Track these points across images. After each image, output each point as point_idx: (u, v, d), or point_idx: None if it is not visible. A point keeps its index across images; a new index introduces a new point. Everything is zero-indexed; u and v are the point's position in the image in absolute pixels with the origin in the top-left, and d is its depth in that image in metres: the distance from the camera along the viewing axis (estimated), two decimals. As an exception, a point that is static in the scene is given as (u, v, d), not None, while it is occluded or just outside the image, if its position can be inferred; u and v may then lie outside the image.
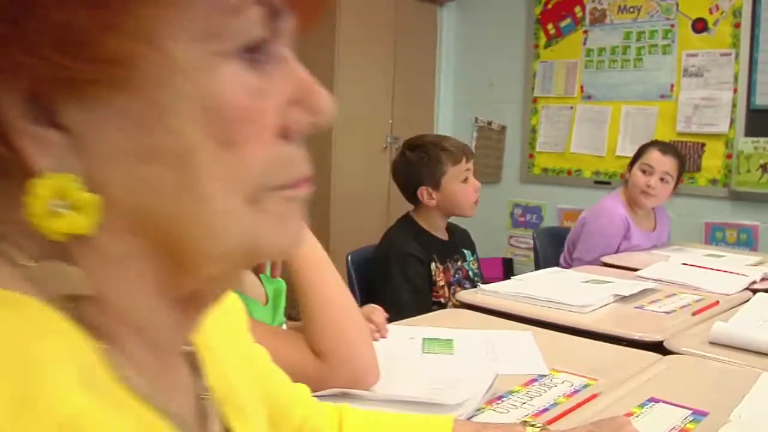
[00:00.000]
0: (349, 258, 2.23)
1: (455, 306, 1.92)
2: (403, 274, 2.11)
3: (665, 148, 2.76)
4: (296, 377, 1.06)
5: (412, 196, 2.28)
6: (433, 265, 2.19)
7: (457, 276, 2.28)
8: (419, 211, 2.29)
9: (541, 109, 4.57)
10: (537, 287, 1.83)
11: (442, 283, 2.20)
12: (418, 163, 2.22)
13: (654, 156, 2.71)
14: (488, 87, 4.83)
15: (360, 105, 4.33)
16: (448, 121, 5.00)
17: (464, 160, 2.23)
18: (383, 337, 1.44)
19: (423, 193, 2.22)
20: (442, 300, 2.16)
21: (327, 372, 1.10)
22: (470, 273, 2.33)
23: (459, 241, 2.38)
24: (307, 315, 1.14)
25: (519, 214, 4.73)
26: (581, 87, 4.38)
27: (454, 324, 1.57)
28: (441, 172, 2.20)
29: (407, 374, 1.20)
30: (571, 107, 4.43)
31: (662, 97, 4.03)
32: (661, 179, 2.68)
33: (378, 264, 2.20)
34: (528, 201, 4.68)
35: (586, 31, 4.34)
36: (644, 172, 2.70)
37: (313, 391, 1.00)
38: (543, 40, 4.53)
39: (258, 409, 0.60)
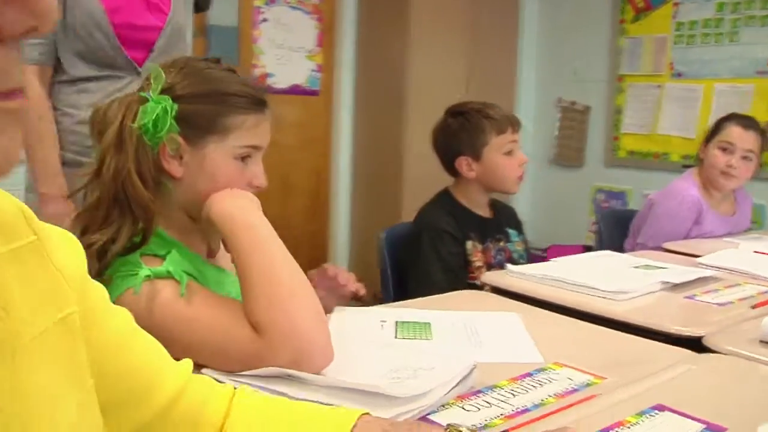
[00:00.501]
0: (383, 236, 2.06)
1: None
2: (435, 252, 1.94)
3: (747, 122, 2.41)
4: (234, 351, 0.96)
5: (450, 167, 2.07)
6: (469, 243, 1.99)
7: (498, 257, 2.05)
8: (458, 185, 2.08)
9: (627, 88, 4.28)
10: (572, 270, 1.58)
11: (479, 263, 1.98)
12: (458, 130, 2.02)
13: (735, 132, 2.38)
14: (571, 65, 4.55)
15: (433, 87, 4.15)
16: (530, 102, 4.75)
17: (510, 130, 2.02)
18: (356, 291, 1.30)
19: (462, 163, 2.02)
20: (478, 282, 1.94)
21: (266, 348, 0.94)
22: (514, 255, 2.09)
23: (503, 219, 2.15)
24: (243, 284, 1.00)
25: (602, 200, 4.44)
26: (671, 64, 4.08)
27: (459, 306, 1.36)
28: (483, 142, 1.99)
29: (369, 360, 1.00)
30: (659, 86, 4.13)
31: (759, 73, 3.68)
32: (743, 157, 2.36)
33: (410, 240, 2.02)
34: (612, 186, 4.39)
35: (676, 4, 4.01)
36: (724, 150, 2.37)
37: (254, 368, 0.93)
38: (630, 14, 4.21)
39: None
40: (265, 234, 1.05)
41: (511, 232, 2.15)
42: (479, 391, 0.95)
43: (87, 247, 0.98)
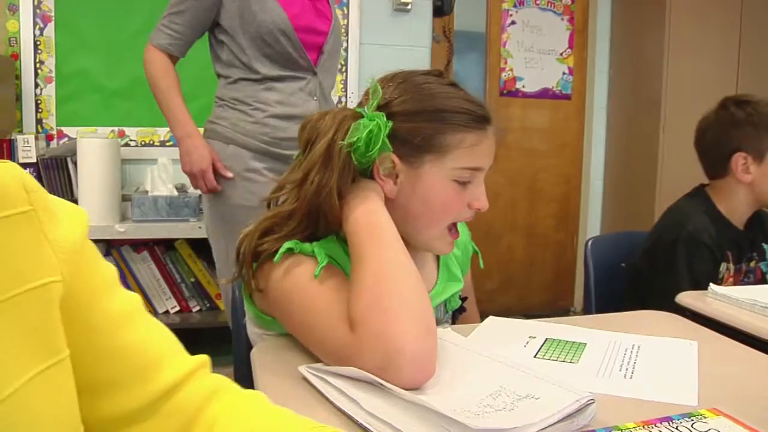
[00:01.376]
0: (589, 243, 1.89)
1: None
2: (688, 264, 1.66)
3: None
4: (330, 342, 0.94)
5: (718, 165, 1.78)
6: (723, 266, 1.70)
7: (746, 279, 1.76)
8: (721, 188, 1.78)
9: None
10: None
11: None
12: (743, 121, 1.73)
13: None
14: None
15: (694, 88, 3.80)
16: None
17: None
18: None
19: (738, 161, 1.72)
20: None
21: (355, 345, 0.89)
22: (767, 276, 1.79)
23: (759, 231, 1.82)
24: (352, 278, 0.96)
25: None
26: None
27: (639, 328, 1.18)
28: None
29: (478, 379, 0.90)
30: None
31: None
32: None
33: (656, 246, 1.75)
34: None
35: None
36: None
37: (345, 365, 0.89)
38: None
39: None
40: (385, 231, 1.00)
41: (767, 248, 1.82)
42: (593, 432, 0.80)
43: (261, 250, 1.02)
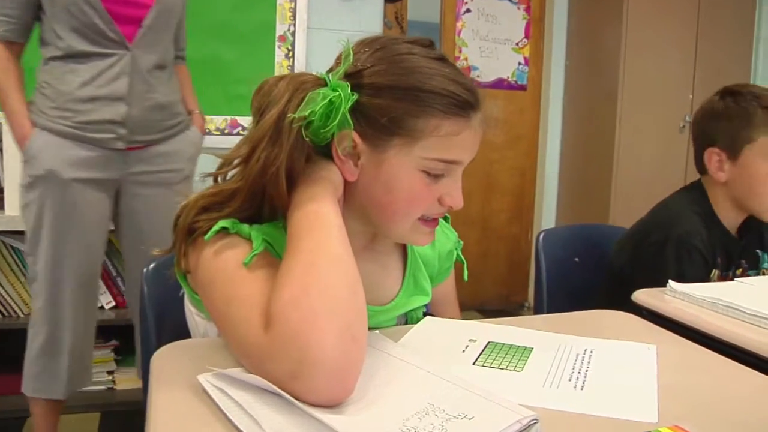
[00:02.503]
0: (541, 236, 1.77)
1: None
2: (677, 268, 1.50)
3: None
4: (242, 339, 0.80)
5: (697, 160, 1.65)
6: (714, 273, 1.57)
7: None
8: (708, 186, 1.64)
9: None
10: (760, 294, 1.22)
11: None
12: (720, 114, 1.58)
13: None
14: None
15: (651, 83, 3.76)
16: (767, 99, 4.11)
17: None
18: None
19: (712, 157, 1.59)
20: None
21: (267, 346, 0.75)
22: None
23: (754, 236, 1.67)
24: (280, 270, 0.81)
25: None
26: None
27: (592, 330, 1.06)
28: (746, 137, 1.54)
29: (407, 394, 0.76)
30: None
31: None
32: None
33: (642, 245, 1.60)
34: None
35: None
36: None
37: (253, 369, 0.77)
38: None
39: None
40: (328, 220, 0.85)
41: (762, 254, 1.68)
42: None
43: (196, 227, 0.90)
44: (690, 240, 1.52)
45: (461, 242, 1.23)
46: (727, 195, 1.60)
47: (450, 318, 1.20)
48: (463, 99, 0.91)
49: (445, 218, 1.20)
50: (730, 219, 1.62)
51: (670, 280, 1.28)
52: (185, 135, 2.20)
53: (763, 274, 1.66)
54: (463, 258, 1.21)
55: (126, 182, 2.08)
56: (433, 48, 0.97)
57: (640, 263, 1.58)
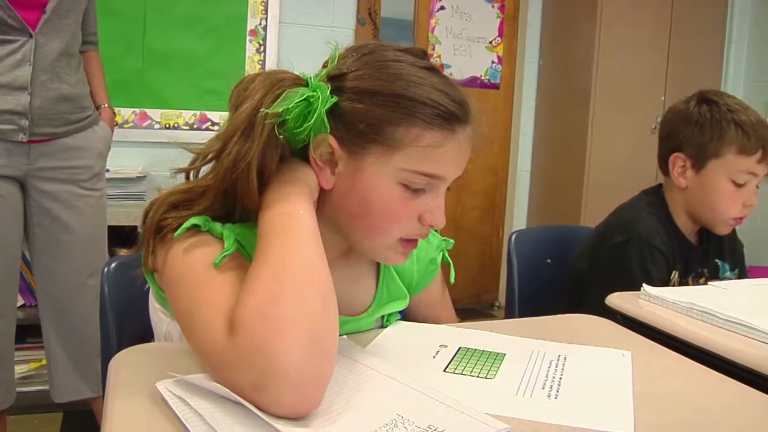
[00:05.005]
0: (513, 237, 1.74)
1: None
2: (643, 269, 1.48)
3: None
4: (204, 344, 0.76)
5: (661, 161, 1.62)
6: (674, 275, 1.54)
7: None
8: (668, 189, 1.62)
9: None
10: (735, 299, 1.21)
11: None
12: (693, 120, 1.54)
13: None
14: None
15: (624, 84, 3.77)
16: (737, 101, 4.15)
17: (758, 156, 1.50)
18: None
19: (676, 162, 1.56)
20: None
21: (230, 354, 0.71)
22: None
23: (712, 245, 1.66)
24: (248, 274, 0.77)
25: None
26: None
27: (565, 335, 1.04)
28: (714, 151, 1.51)
29: (375, 404, 0.73)
30: None
31: None
32: None
33: (601, 247, 1.57)
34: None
35: None
36: None
37: (214, 376, 0.73)
38: None
39: None
40: (301, 224, 0.81)
41: (722, 264, 1.66)
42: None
43: (164, 224, 0.86)
44: (651, 240, 1.50)
45: (450, 241, 1.18)
46: (684, 201, 1.59)
47: (444, 320, 1.17)
48: (448, 110, 0.86)
49: None
50: (686, 225, 1.61)
51: (644, 285, 1.26)
52: (93, 130, 2.11)
53: None
54: (449, 259, 1.17)
55: (30, 177, 1.99)
56: (425, 58, 0.93)
57: (601, 266, 1.55)
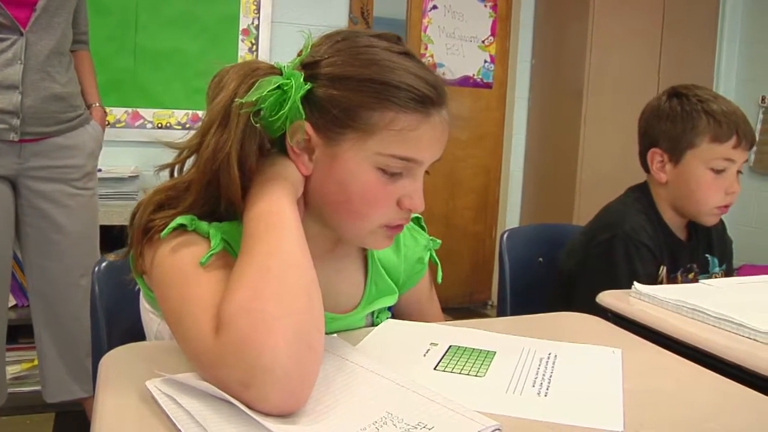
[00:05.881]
0: (505, 236, 1.74)
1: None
2: (630, 266, 1.48)
3: None
4: (191, 341, 0.76)
5: (641, 158, 1.64)
6: (662, 270, 1.54)
7: None
8: (654, 187, 1.63)
9: None
10: (725, 297, 1.21)
11: None
12: (665, 114, 1.56)
13: None
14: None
15: (616, 81, 3.78)
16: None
17: (732, 142, 1.50)
18: None
19: (654, 158, 1.58)
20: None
21: (216, 352, 0.71)
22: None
23: (702, 240, 1.66)
24: (233, 273, 0.77)
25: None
26: None
27: (555, 333, 1.04)
28: (689, 142, 1.52)
29: (365, 402, 0.73)
30: None
31: None
32: None
33: (589, 246, 1.57)
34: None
35: None
36: None
37: (202, 373, 0.73)
38: None
39: None
40: (285, 220, 0.81)
41: (712, 259, 1.66)
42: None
43: (151, 226, 0.85)
44: (637, 236, 1.51)
45: (437, 241, 1.18)
46: (668, 196, 1.60)
47: (431, 319, 1.17)
48: (422, 93, 0.87)
49: (417, 219, 1.17)
50: (673, 220, 1.62)
51: (635, 283, 1.26)
52: (84, 129, 2.10)
53: (714, 278, 1.64)
54: (437, 259, 1.17)
55: (21, 176, 1.99)
56: (400, 43, 0.93)
57: (589, 265, 1.56)
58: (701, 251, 1.66)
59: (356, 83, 0.86)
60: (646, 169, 1.63)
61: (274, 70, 0.88)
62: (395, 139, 0.87)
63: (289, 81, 0.86)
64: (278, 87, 0.85)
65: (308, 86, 0.87)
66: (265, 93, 0.84)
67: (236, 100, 0.83)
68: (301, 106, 0.87)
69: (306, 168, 0.90)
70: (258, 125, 0.85)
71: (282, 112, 0.86)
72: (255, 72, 0.86)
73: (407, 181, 0.91)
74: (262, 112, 0.85)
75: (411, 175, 0.91)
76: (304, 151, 0.90)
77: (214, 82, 0.89)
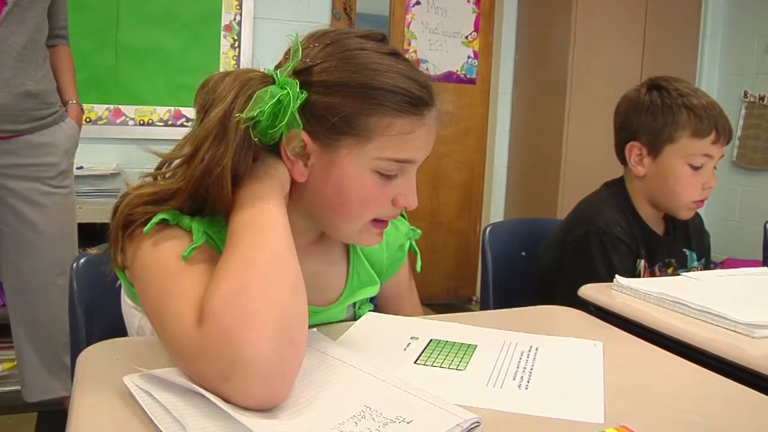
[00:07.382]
0: (487, 230, 1.74)
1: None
2: (605, 259, 1.48)
3: None
4: (172, 334, 0.75)
5: (618, 151, 1.63)
6: (641, 263, 1.55)
7: None
8: (628, 179, 1.63)
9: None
10: (706, 290, 1.21)
11: None
12: (645, 107, 1.55)
13: None
14: (763, 54, 3.93)
15: (599, 77, 3.78)
16: (711, 95, 4.18)
17: (711, 138, 1.50)
18: None
19: (632, 151, 1.57)
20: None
21: (198, 344, 0.71)
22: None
23: (680, 235, 1.66)
24: (217, 267, 0.77)
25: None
26: None
27: (536, 327, 1.04)
28: (668, 136, 1.51)
29: (343, 396, 0.73)
30: None
31: None
32: None
33: (565, 241, 1.57)
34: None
35: None
36: None
37: (182, 367, 0.73)
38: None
39: None
40: (272, 218, 0.81)
41: (690, 254, 1.66)
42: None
43: (132, 220, 0.85)
44: (610, 231, 1.51)
45: (418, 231, 1.18)
46: (644, 189, 1.59)
47: (410, 312, 1.17)
48: (416, 96, 0.88)
49: None
50: (649, 214, 1.62)
51: (616, 276, 1.26)
52: (59, 127, 2.06)
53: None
54: (416, 248, 1.17)
55: None
56: (386, 42, 0.93)
57: (566, 260, 1.56)
58: (679, 246, 1.66)
59: (351, 90, 0.86)
60: (623, 162, 1.63)
61: (268, 79, 0.87)
62: (392, 143, 0.87)
63: (286, 91, 0.84)
64: (277, 99, 0.84)
65: (304, 95, 0.86)
66: (267, 107, 0.83)
67: (236, 114, 0.82)
68: (297, 116, 0.86)
69: (301, 175, 0.90)
70: (256, 138, 0.85)
71: (280, 124, 0.85)
72: (250, 83, 0.85)
73: (402, 180, 0.92)
74: (259, 125, 0.84)
75: (405, 174, 0.92)
76: (299, 158, 0.89)
77: (206, 90, 0.87)
